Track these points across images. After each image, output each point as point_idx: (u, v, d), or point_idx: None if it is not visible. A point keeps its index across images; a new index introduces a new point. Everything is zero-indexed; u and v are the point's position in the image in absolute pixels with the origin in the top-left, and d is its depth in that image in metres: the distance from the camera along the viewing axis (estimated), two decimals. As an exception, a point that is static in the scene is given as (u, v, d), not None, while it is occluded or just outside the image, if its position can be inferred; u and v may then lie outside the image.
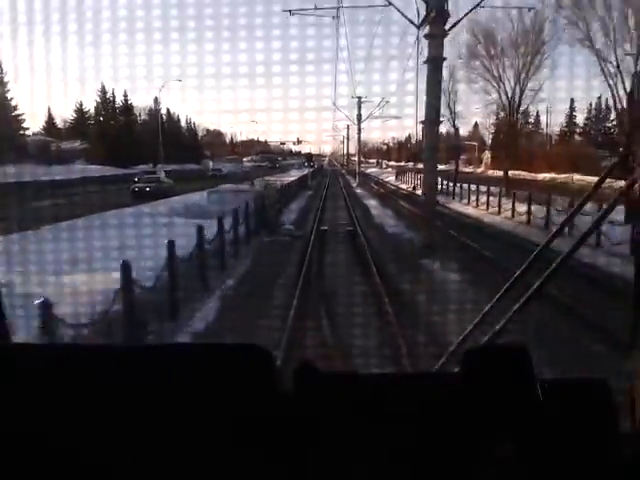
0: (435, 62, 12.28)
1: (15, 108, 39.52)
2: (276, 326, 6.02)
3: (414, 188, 27.39)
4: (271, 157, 46.53)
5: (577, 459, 0.76)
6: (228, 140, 52.38)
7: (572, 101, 35.32)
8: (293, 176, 32.86)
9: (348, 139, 44.37)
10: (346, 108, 37.36)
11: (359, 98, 34.86)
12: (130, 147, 38.52)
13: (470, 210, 19.55)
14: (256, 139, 52.11)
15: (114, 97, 42.96)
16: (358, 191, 28.50)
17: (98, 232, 10.00)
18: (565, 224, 1.88)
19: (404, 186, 30.75)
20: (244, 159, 45.09)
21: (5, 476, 0.77)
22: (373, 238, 12.57)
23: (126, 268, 5.89)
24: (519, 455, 0.75)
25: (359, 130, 35.72)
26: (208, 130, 50.76)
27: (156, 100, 42.55)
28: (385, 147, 55.36)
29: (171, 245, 7.15)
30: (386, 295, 7.30)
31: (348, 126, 41.43)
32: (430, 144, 13.71)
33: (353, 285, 8.12)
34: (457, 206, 20.69)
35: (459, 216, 17.84)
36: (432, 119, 13.05)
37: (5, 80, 37.09)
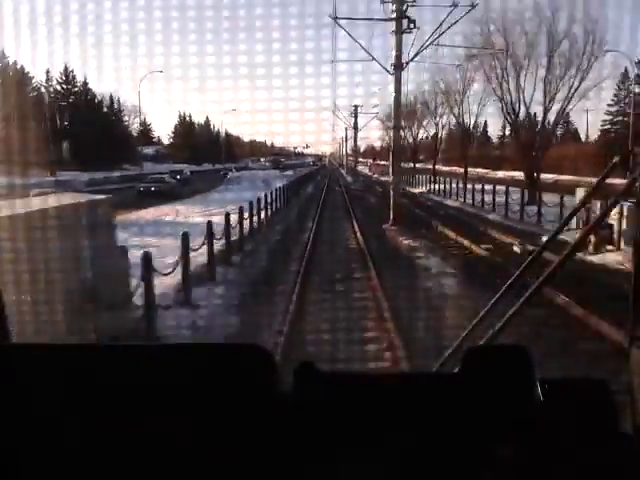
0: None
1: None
2: (320, 188, 28.59)
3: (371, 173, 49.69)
4: (276, 159, 55.49)
5: (577, 459, 0.76)
6: (246, 143, 63.85)
7: (486, 122, 46.84)
8: (309, 170, 49.93)
9: (344, 146, 59.49)
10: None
11: (345, 128, 49.69)
12: (197, 151, 52.99)
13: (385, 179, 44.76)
14: (263, 141, 63.73)
15: (184, 118, 56.63)
16: (344, 174, 49.73)
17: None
18: (565, 223, 1.84)
19: (368, 173, 52.58)
20: (261, 159, 58.47)
21: (6, 474, 0.76)
22: (344, 184, 33.53)
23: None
24: (519, 455, 0.75)
25: (346, 147, 53.11)
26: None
27: (207, 119, 56.93)
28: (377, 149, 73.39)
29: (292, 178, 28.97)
30: (344, 187, 29.55)
31: (342, 138, 54.65)
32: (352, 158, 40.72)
33: (335, 188, 29.87)
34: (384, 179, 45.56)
35: (380, 181, 38.85)
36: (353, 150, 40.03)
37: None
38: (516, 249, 9.95)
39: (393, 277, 8.02)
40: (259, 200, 14.18)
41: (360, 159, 62.20)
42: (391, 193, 16.53)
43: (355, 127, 35.65)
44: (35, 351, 0.87)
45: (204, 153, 53.68)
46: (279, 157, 57.95)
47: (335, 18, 16.61)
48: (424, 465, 0.78)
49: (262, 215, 14.40)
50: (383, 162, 65.48)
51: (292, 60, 23.72)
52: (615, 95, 34.36)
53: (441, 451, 0.78)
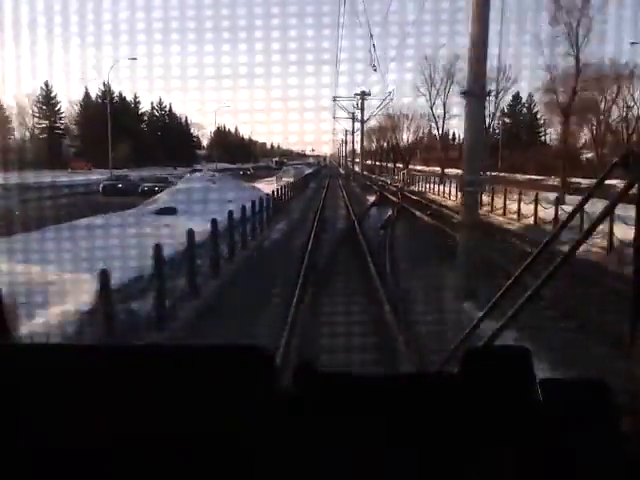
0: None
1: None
2: (327, 176, 53.22)
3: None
4: (279, 160, 68.91)
5: (577, 460, 0.77)
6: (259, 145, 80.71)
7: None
8: (313, 168, 65.46)
9: (342, 151, 78.34)
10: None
11: (341, 139, 72.02)
12: (230, 153, 67.67)
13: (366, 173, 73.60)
14: (273, 144, 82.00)
15: (220, 128, 74.67)
16: (341, 171, 70.30)
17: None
18: (565, 225, 1.85)
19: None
20: (273, 159, 72.40)
21: (6, 475, 0.77)
22: (339, 175, 58.01)
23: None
24: (519, 456, 0.77)
25: (344, 152, 74.54)
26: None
27: (237, 128, 73.57)
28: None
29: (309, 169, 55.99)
30: (338, 176, 53.96)
31: (340, 144, 75.11)
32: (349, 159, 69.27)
33: (332, 175, 53.85)
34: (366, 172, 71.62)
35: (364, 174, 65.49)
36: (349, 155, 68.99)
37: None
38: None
39: (346, 189, 33.31)
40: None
41: (357, 160, 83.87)
42: (350, 173, 48.69)
43: (346, 142, 67.83)
44: (35, 351, 0.88)
45: (235, 155, 70.12)
46: (283, 158, 73.24)
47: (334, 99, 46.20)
48: (424, 465, 0.78)
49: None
50: (369, 162, 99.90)
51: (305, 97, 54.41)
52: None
53: (441, 451, 0.78)
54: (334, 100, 44.66)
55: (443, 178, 35.97)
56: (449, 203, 24.17)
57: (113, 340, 5.29)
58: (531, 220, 16.96)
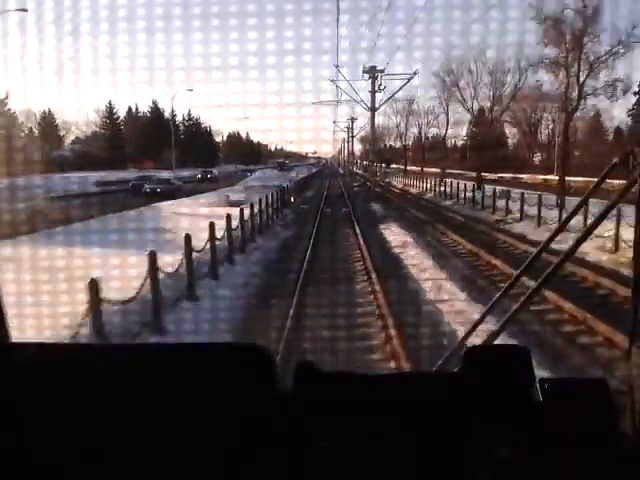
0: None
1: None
2: (329, 175, 68.54)
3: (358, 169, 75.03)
4: (282, 162, 71.29)
5: (577, 459, 0.79)
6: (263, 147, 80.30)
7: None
8: (316, 169, 73.46)
9: (342, 153, 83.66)
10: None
11: (341, 143, 79.05)
12: (243, 155, 72.03)
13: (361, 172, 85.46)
14: (273, 147, 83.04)
15: (237, 133, 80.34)
16: (340, 171, 70.14)
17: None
18: (565, 224, 1.84)
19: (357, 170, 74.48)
20: (276, 161, 73.78)
21: (5, 473, 0.79)
22: (339, 174, 67.50)
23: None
24: (519, 455, 0.79)
25: (343, 153, 78.39)
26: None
27: (248, 134, 76.22)
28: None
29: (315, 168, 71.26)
30: (338, 174, 68.82)
31: (341, 145, 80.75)
32: (347, 159, 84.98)
33: (333, 174, 61.50)
34: (360, 172, 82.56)
35: (358, 172, 78.34)
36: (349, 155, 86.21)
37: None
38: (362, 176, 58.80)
39: (343, 181, 49.40)
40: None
41: (358, 161, 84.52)
42: (347, 172, 63.52)
43: (343, 149, 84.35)
44: (35, 351, 0.89)
45: (247, 156, 74.20)
46: (284, 160, 75.31)
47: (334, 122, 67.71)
48: (424, 465, 0.80)
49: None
50: (366, 162, 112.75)
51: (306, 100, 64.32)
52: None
53: (441, 451, 0.80)
54: (334, 122, 61.44)
55: (406, 173, 55.09)
56: (398, 186, 43.80)
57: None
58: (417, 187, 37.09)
